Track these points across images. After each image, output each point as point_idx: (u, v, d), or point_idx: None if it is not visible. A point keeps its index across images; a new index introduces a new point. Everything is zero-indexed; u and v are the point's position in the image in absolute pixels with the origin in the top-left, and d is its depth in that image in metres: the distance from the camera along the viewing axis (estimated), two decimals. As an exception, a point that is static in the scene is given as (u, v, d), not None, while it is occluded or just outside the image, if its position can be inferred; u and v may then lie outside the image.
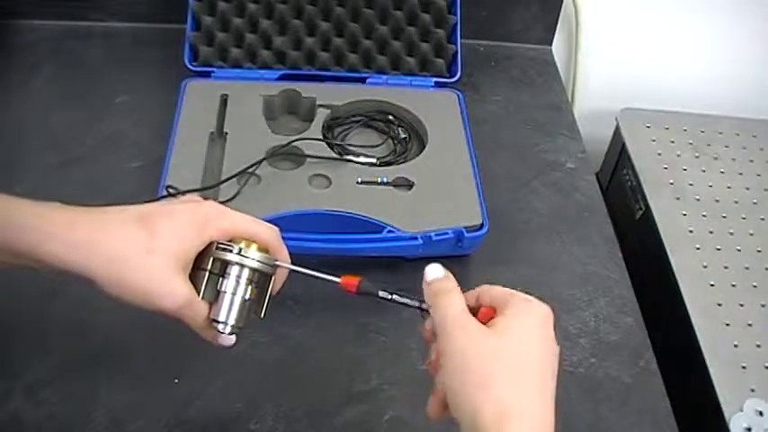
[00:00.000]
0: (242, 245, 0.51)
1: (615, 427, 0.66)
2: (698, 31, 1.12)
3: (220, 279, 0.51)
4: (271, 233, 0.53)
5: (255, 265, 0.51)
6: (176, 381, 0.64)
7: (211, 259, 0.50)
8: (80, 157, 0.83)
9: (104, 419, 0.61)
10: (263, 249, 0.52)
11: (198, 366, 0.65)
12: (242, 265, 0.51)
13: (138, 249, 0.48)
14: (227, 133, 0.81)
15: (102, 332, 0.67)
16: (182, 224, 0.50)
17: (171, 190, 0.72)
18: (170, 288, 0.48)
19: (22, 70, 0.93)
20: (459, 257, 0.77)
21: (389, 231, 0.72)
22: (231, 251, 0.50)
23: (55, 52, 0.96)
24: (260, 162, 0.76)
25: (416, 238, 0.72)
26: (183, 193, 0.71)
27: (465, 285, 0.75)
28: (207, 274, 0.51)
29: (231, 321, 0.51)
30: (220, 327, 0.51)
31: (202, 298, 0.50)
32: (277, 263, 0.53)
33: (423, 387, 0.67)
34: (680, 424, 0.67)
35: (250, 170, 0.76)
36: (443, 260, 0.76)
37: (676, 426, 0.67)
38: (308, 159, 0.79)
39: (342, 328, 0.71)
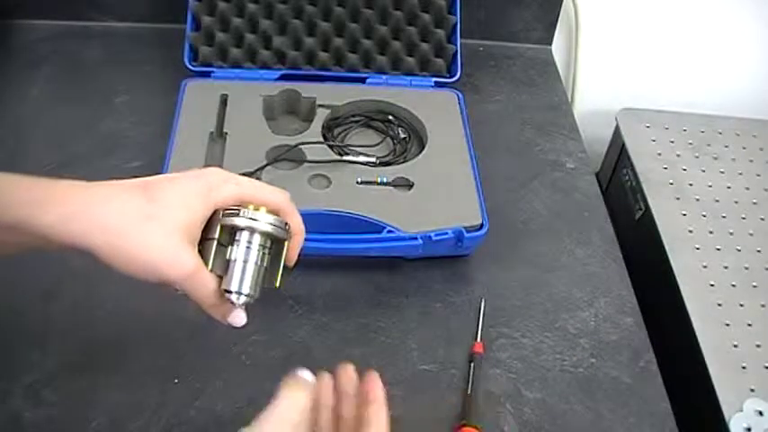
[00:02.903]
0: (251, 207, 0.48)
1: (615, 427, 0.66)
2: (697, 32, 1.12)
3: (230, 247, 0.48)
4: (280, 197, 0.50)
5: (267, 228, 0.48)
6: (176, 381, 0.64)
7: (219, 227, 0.48)
8: (80, 157, 0.83)
9: (104, 419, 0.61)
10: (274, 212, 0.49)
11: (198, 366, 0.65)
12: (252, 230, 0.48)
13: (138, 216, 0.45)
14: (226, 133, 0.81)
15: (102, 332, 0.67)
16: (184, 190, 0.47)
17: None
18: (173, 256, 0.46)
19: (22, 70, 0.93)
20: (459, 257, 0.77)
21: (389, 231, 0.72)
22: (239, 215, 0.48)
23: (55, 52, 0.96)
24: (262, 168, 0.76)
25: (416, 238, 0.72)
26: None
27: (465, 285, 0.76)
28: (215, 243, 0.48)
29: (245, 290, 0.48)
30: (233, 297, 0.48)
31: (211, 270, 0.48)
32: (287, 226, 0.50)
33: (423, 387, 0.67)
34: (680, 424, 0.67)
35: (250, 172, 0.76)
36: (443, 260, 0.76)
37: (676, 426, 0.67)
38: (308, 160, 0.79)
39: (342, 328, 0.71)
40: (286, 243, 0.50)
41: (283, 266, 0.51)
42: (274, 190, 0.50)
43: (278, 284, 0.50)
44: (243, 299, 0.48)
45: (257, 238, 0.48)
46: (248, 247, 0.48)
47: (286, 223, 0.49)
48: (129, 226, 0.45)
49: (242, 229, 0.48)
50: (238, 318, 0.49)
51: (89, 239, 0.45)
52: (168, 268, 0.46)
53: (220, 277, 0.49)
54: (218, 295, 0.48)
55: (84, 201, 0.46)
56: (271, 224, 0.48)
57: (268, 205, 0.49)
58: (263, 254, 0.48)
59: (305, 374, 0.48)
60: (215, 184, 0.49)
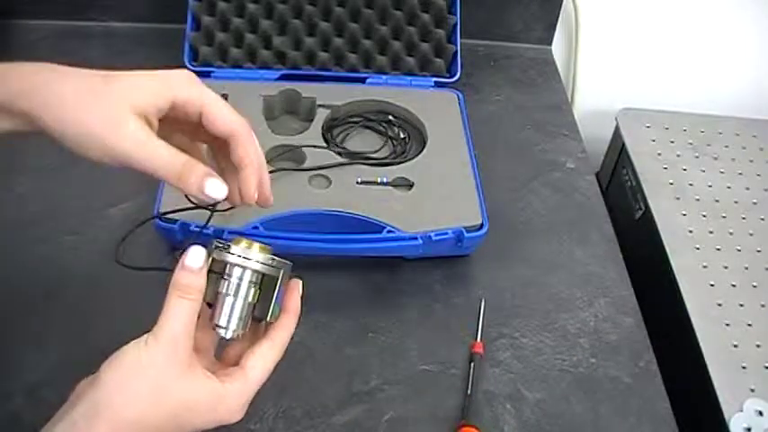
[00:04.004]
0: (243, 244, 0.48)
1: (615, 427, 0.66)
2: (697, 32, 1.12)
3: (221, 281, 0.49)
4: (238, 122, 0.49)
5: (257, 267, 0.48)
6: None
7: (211, 258, 0.48)
8: (80, 157, 0.82)
9: (104, 419, 0.61)
10: (267, 249, 0.49)
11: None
12: (243, 267, 0.48)
13: (89, 92, 0.46)
14: (227, 133, 0.81)
15: (102, 331, 0.67)
16: (144, 76, 0.48)
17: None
18: (118, 127, 0.46)
19: (21, 70, 0.93)
20: (459, 257, 0.77)
21: (389, 231, 0.72)
22: (230, 252, 0.48)
23: (55, 52, 0.96)
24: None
25: (416, 238, 0.72)
26: (177, 211, 0.64)
27: (465, 285, 0.76)
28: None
29: (232, 326, 0.49)
30: (222, 332, 0.49)
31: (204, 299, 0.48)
32: (278, 260, 0.49)
33: (423, 387, 0.67)
34: (680, 424, 0.67)
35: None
36: (443, 260, 0.76)
37: (676, 426, 0.67)
38: (309, 159, 0.79)
39: (342, 328, 0.71)
40: (279, 279, 0.50)
41: (276, 298, 0.50)
42: (234, 114, 0.49)
43: (269, 318, 0.50)
44: (231, 333, 0.49)
45: (248, 276, 0.48)
46: (239, 284, 0.48)
47: (274, 259, 0.49)
48: (79, 100, 0.46)
49: (234, 266, 0.48)
50: (215, 187, 0.47)
51: (41, 114, 0.46)
52: (115, 140, 0.46)
53: (210, 304, 0.49)
54: (178, 167, 0.47)
55: (42, 78, 0.47)
56: (261, 263, 0.48)
57: (224, 126, 0.48)
58: (254, 291, 0.49)
59: (194, 257, 0.47)
60: (179, 81, 0.48)
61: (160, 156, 0.47)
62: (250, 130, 0.50)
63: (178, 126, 0.51)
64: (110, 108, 0.46)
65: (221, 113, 0.49)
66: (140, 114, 0.47)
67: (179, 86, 0.48)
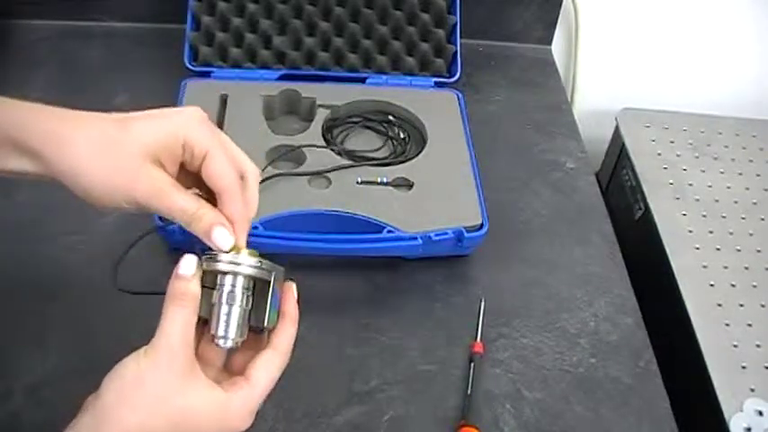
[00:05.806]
0: (232, 251, 0.48)
1: (615, 427, 0.66)
2: (698, 31, 1.12)
3: (214, 291, 0.48)
4: (231, 185, 0.48)
5: (249, 271, 0.48)
6: (176, 381, 0.64)
7: (201, 271, 0.48)
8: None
9: (104, 419, 0.61)
10: (255, 254, 0.49)
11: (198, 366, 0.65)
12: (235, 273, 0.48)
13: (104, 142, 0.46)
14: (226, 133, 0.80)
15: (102, 332, 0.67)
16: (158, 117, 0.48)
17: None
18: (135, 175, 0.46)
19: (22, 70, 0.93)
20: (459, 257, 0.77)
21: (389, 231, 0.72)
22: (221, 260, 0.48)
23: (55, 52, 0.96)
24: (263, 168, 0.76)
25: (416, 238, 0.72)
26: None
27: (465, 285, 0.76)
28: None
29: (231, 334, 0.48)
30: (220, 341, 0.48)
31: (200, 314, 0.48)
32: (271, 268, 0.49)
33: (423, 387, 0.67)
34: (680, 424, 0.67)
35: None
36: (443, 260, 0.77)
37: (676, 426, 0.67)
38: (308, 159, 0.79)
39: (342, 328, 0.71)
40: (271, 282, 0.49)
41: (270, 303, 0.50)
42: (231, 171, 0.49)
43: (266, 324, 0.49)
44: (230, 343, 0.48)
45: (240, 281, 0.48)
46: (231, 291, 0.48)
47: (263, 262, 0.49)
48: (94, 152, 0.46)
49: (225, 274, 0.48)
50: (221, 236, 0.48)
51: (53, 162, 0.46)
52: (132, 190, 0.46)
53: (206, 321, 0.49)
54: (191, 213, 0.47)
55: (58, 124, 0.47)
56: (253, 266, 0.48)
57: (218, 181, 0.48)
58: (247, 296, 0.49)
59: (186, 265, 0.47)
60: (190, 121, 0.48)
61: (175, 202, 0.47)
62: (238, 190, 0.49)
63: (184, 170, 0.50)
64: (125, 158, 0.46)
65: (220, 168, 0.48)
66: (155, 160, 0.47)
67: (190, 126, 0.48)
